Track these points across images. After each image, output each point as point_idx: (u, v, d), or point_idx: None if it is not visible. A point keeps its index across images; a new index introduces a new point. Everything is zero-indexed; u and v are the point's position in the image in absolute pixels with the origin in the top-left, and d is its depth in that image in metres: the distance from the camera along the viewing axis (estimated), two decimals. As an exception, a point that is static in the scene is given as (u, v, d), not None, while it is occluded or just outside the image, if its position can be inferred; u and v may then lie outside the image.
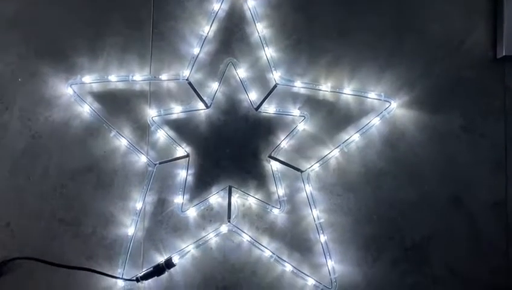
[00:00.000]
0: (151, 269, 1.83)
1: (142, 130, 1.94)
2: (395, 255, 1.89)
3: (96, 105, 1.94)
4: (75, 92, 1.91)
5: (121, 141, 1.90)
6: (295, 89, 1.94)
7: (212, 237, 1.86)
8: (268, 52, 1.92)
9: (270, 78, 1.93)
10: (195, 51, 1.92)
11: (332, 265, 1.84)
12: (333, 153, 1.88)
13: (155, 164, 1.90)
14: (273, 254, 1.85)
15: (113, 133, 1.89)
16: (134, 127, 1.94)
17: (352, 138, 1.88)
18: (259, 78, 1.95)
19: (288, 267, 1.85)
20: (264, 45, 1.91)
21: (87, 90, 1.94)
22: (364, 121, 1.90)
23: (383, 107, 1.89)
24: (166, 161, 1.91)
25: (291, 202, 1.91)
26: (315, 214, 1.86)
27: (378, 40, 1.95)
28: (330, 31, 1.96)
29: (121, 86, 1.95)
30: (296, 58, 1.95)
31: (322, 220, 1.87)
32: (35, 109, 1.94)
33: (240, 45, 1.95)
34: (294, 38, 1.96)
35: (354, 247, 1.89)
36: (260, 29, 1.91)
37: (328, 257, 1.84)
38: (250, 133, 1.94)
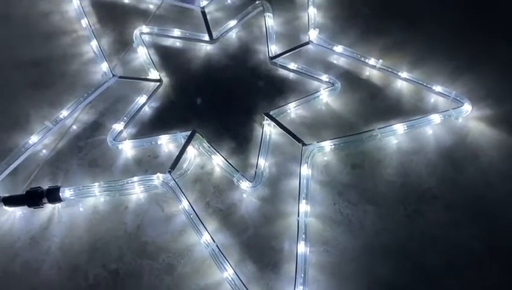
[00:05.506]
0: (25, 193, 1.26)
1: (122, 45, 1.67)
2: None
3: (89, 8, 1.77)
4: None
5: (91, 44, 1.62)
6: (332, 58, 1.59)
7: (135, 185, 1.29)
8: (312, 11, 1.64)
9: (305, 39, 1.61)
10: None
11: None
12: (360, 137, 1.35)
13: (113, 75, 1.50)
14: (214, 242, 1.18)
15: (86, 31, 1.64)
16: (116, 39, 1.69)
17: (395, 127, 1.36)
18: (291, 37, 1.66)
19: (229, 274, 1.14)
20: (310, 3, 1.67)
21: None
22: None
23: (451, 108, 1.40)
24: (130, 77, 1.55)
25: (273, 187, 1.34)
26: (302, 209, 1.22)
27: (459, 37, 1.61)
28: (399, 15, 1.68)
29: (127, 0, 1.78)
30: (346, 30, 1.66)
31: (310, 219, 1.22)
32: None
33: (282, 0, 1.74)
34: (352, 12, 1.68)
35: (352, 292, 1.16)
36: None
37: (300, 284, 1.12)
38: (253, 87, 1.56)
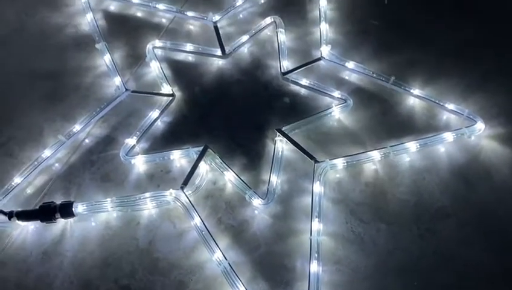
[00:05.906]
0: (38, 208, 1.26)
1: (135, 59, 1.69)
2: None
3: (102, 22, 1.79)
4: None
5: (104, 58, 1.63)
6: (344, 74, 1.59)
7: (147, 201, 1.30)
8: (324, 27, 1.64)
9: (316, 55, 1.62)
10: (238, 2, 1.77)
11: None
12: (372, 155, 1.35)
13: (126, 90, 1.51)
14: (226, 259, 1.18)
15: (100, 45, 1.65)
16: (129, 53, 1.70)
17: (408, 145, 1.36)
18: (303, 52, 1.67)
19: (240, 293, 1.15)
20: (322, 18, 1.67)
21: (103, 5, 1.83)
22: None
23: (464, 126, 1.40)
24: (143, 91, 1.55)
25: (285, 204, 1.34)
26: (315, 227, 1.22)
27: (469, 55, 1.62)
28: (410, 33, 1.69)
29: (140, 14, 1.81)
30: (358, 45, 1.67)
31: (322, 238, 1.22)
32: (38, 7, 1.84)
33: (293, 16, 1.76)
34: (363, 27, 1.70)
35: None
36: (323, 4, 1.74)
37: (313, 303, 1.12)
38: (265, 102, 1.56)
